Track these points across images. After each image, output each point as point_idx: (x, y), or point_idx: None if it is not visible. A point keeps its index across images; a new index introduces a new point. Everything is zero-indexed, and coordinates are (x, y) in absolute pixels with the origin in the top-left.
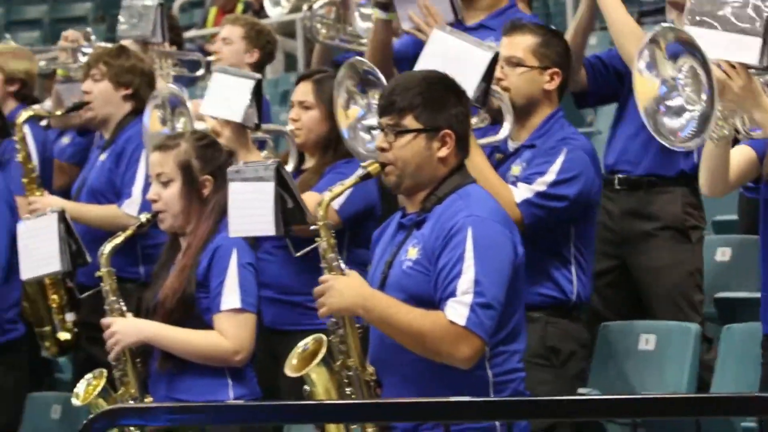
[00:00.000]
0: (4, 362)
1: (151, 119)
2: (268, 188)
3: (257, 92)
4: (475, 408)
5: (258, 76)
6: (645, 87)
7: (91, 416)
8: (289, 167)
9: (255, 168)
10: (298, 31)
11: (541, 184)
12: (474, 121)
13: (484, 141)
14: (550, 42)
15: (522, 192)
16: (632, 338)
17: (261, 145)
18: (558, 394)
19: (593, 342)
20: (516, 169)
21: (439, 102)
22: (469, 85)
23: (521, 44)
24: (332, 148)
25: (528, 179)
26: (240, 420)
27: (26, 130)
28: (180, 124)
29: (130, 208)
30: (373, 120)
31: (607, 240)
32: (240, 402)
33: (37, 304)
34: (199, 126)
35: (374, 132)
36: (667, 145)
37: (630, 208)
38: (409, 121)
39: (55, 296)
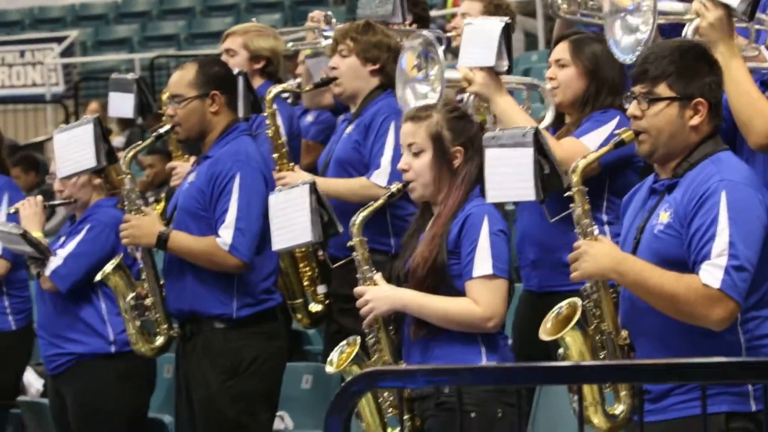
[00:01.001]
0: (264, 331)
1: (407, 64)
2: (527, 154)
3: (506, 36)
4: (733, 369)
5: (506, 19)
6: None
7: (350, 378)
8: (546, 123)
9: (512, 134)
10: (538, 9)
11: None
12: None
13: (751, 64)
14: None
15: None
16: None
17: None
18: None
19: None
20: None
21: (692, 70)
22: None
23: None
24: (590, 105)
25: None
26: (496, 381)
27: (275, 106)
28: (433, 71)
29: (379, 178)
30: None
31: None
32: (494, 364)
33: (289, 277)
34: (451, 75)
35: None
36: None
37: None
38: (662, 90)
39: (306, 269)
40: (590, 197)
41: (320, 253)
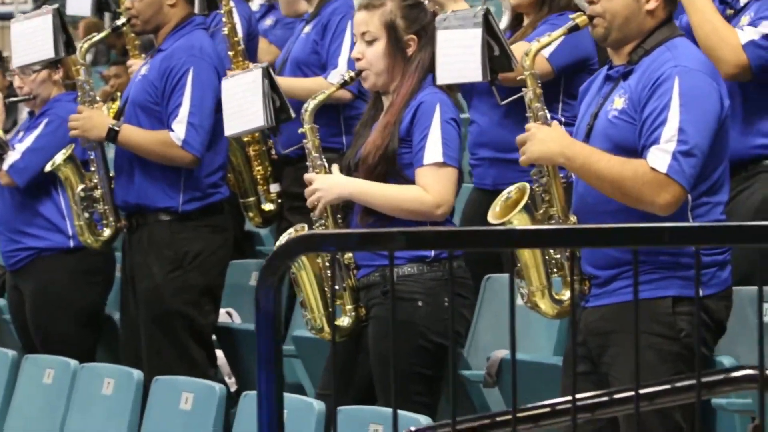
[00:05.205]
0: (210, 224)
1: None
2: (476, 35)
3: None
4: (666, 233)
5: None
6: None
7: (285, 240)
8: (503, 25)
9: (463, 16)
10: None
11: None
12: None
13: None
14: None
15: (747, 34)
16: None
17: None
18: None
19: None
20: (744, 19)
21: None
22: None
23: None
24: (547, 5)
25: (754, 23)
26: (430, 246)
27: (232, 4)
28: None
29: (336, 78)
30: None
31: None
32: (429, 228)
33: (242, 175)
34: None
35: None
36: None
37: None
38: None
39: (259, 167)
40: (546, 101)
41: (273, 152)
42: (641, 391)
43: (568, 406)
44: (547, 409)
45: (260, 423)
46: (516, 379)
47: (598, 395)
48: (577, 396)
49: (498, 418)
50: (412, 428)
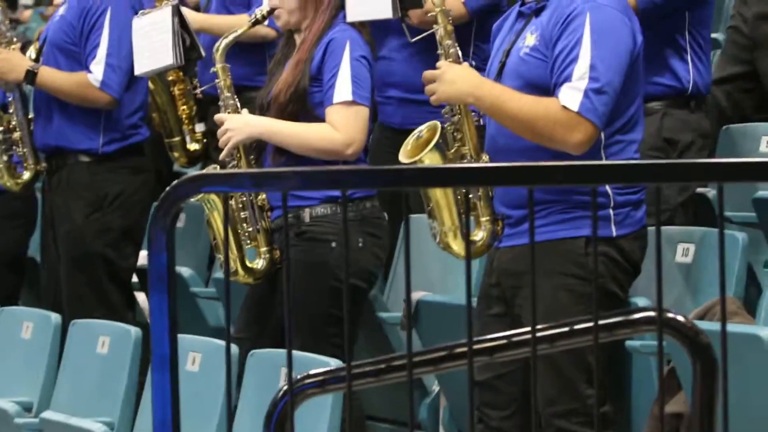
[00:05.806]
0: (130, 165)
1: None
2: None
3: None
4: (561, 172)
5: None
6: None
7: (175, 182)
8: None
9: None
10: None
11: None
12: None
13: None
14: None
15: None
16: (754, 142)
17: None
18: None
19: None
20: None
21: None
22: None
23: None
24: None
25: None
26: (325, 186)
27: None
28: None
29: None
30: None
31: (740, 45)
32: (324, 168)
33: (167, 115)
34: None
35: None
36: None
37: (763, 12)
38: None
39: (184, 107)
40: (458, 44)
41: (198, 91)
42: (540, 334)
43: (465, 349)
44: (444, 353)
45: (153, 366)
46: (411, 324)
47: (496, 338)
48: (475, 338)
49: (394, 363)
50: (311, 371)
